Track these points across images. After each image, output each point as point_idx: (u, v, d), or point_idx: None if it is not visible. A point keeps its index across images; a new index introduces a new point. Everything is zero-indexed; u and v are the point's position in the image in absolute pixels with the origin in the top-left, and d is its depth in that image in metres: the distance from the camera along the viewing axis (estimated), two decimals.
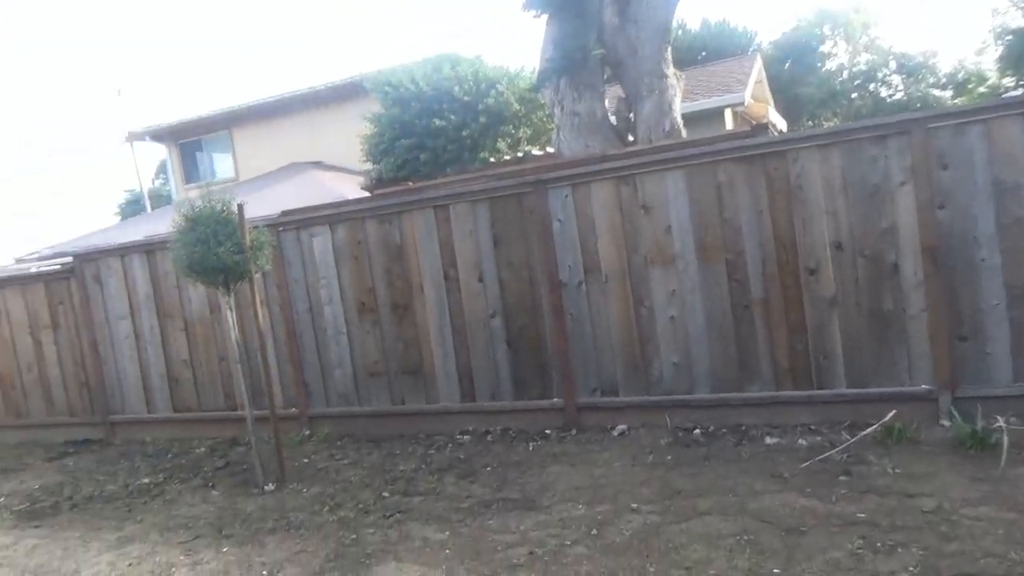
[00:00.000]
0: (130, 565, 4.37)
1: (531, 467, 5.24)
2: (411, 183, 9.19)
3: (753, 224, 5.40)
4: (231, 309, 5.71)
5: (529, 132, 12.81)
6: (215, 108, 19.61)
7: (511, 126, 12.22)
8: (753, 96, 16.36)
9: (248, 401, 5.72)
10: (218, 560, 4.29)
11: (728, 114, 14.90)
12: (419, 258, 6.49)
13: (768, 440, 5.12)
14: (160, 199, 28.33)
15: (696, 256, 5.58)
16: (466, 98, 11.65)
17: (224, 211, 5.64)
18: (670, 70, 8.41)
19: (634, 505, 4.30)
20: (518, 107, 12.04)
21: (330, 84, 17.54)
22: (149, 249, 7.66)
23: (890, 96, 32.42)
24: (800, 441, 5.00)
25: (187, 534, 4.79)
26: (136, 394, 7.95)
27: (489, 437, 6.11)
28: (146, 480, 6.17)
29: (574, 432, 5.90)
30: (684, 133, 8.47)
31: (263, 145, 19.18)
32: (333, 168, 17.41)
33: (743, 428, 5.41)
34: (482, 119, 11.58)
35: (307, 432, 6.99)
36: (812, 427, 5.20)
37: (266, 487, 5.53)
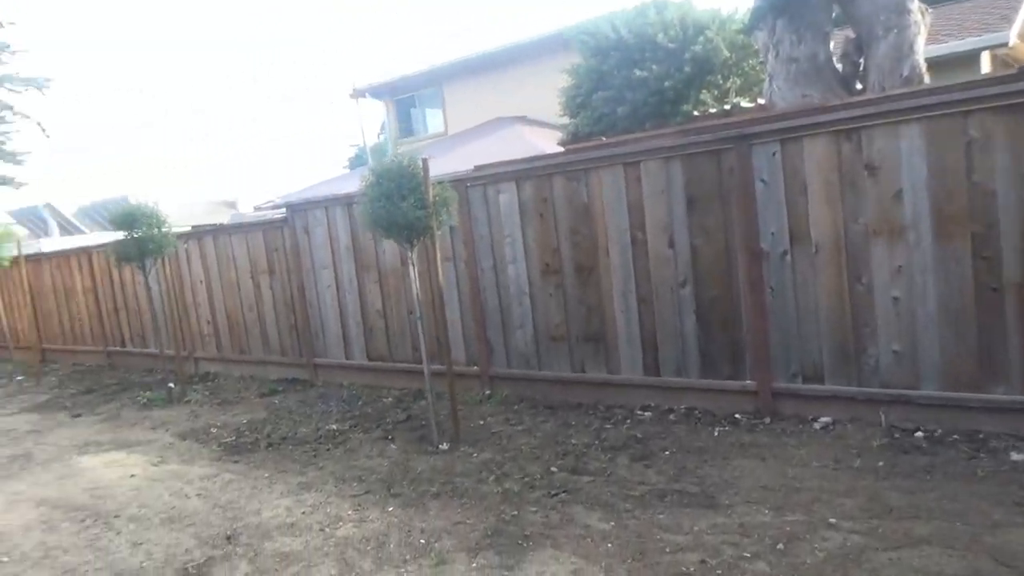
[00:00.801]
0: (303, 513, 4.51)
1: (714, 456, 4.72)
2: (604, 139, 8.71)
3: (1013, 191, 4.36)
4: (413, 264, 5.70)
5: (739, 82, 11.70)
6: (428, 64, 20.19)
7: (719, 76, 11.21)
8: (1020, 36, 13.77)
9: (426, 357, 5.72)
10: (382, 520, 4.28)
11: (985, 58, 12.63)
12: (606, 219, 6.07)
13: (1015, 456, 4.18)
14: (381, 154, 30.11)
15: (932, 227, 4.64)
16: (671, 45, 10.82)
17: (409, 166, 5.60)
18: (914, 4, 7.12)
19: (832, 519, 3.67)
20: (728, 54, 10.99)
21: (534, 38, 17.34)
22: (350, 202, 7.91)
23: None
24: None
25: (359, 487, 4.86)
26: (336, 340, 8.38)
27: (671, 416, 5.63)
28: (334, 426, 6.43)
29: (768, 420, 5.26)
30: (927, 79, 7.17)
31: (471, 100, 19.49)
32: (536, 123, 17.28)
33: (981, 437, 4.48)
34: (687, 69, 10.71)
35: (487, 392, 6.94)
36: None
37: (440, 446, 5.51)
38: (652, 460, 4.78)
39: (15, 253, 11.90)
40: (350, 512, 4.45)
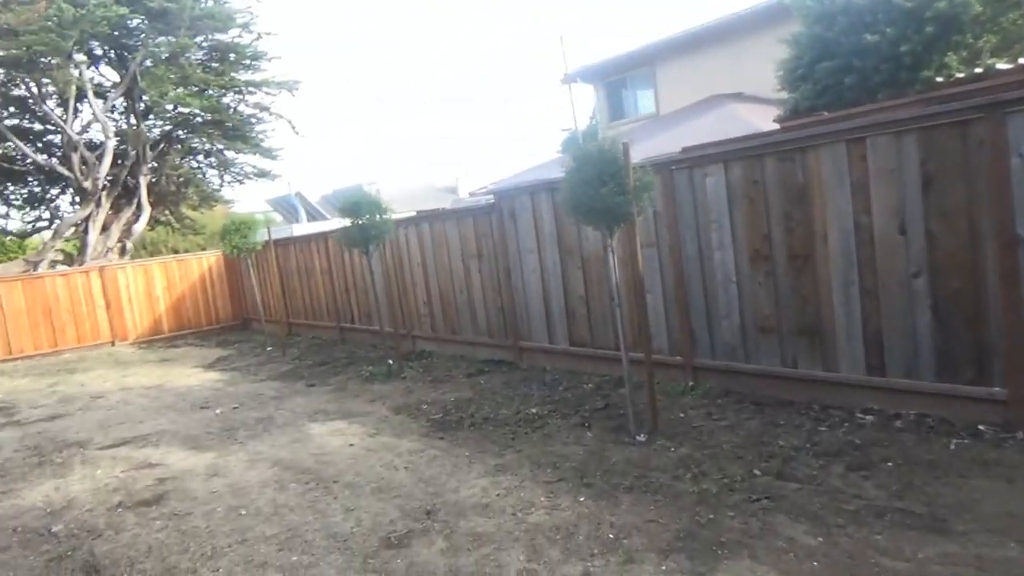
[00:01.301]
0: (498, 495, 4.61)
1: (948, 473, 4.14)
2: (825, 114, 7.95)
3: None
4: (613, 251, 5.60)
5: (994, 40, 10.09)
6: (640, 44, 19.80)
7: (968, 35, 9.74)
8: None
9: (624, 344, 5.61)
10: (572, 510, 4.26)
11: None
12: (824, 202, 5.53)
13: None
14: (590, 138, 30.16)
15: None
16: (908, 4, 9.58)
17: (610, 151, 5.48)
18: None
19: None
20: (980, 9, 9.50)
21: (751, 8, 16.32)
22: (553, 188, 7.96)
23: None
24: None
25: (553, 474, 4.88)
26: (540, 323, 8.51)
27: (897, 423, 5.03)
28: (534, 410, 6.53)
29: (1020, 435, 4.52)
30: None
31: (684, 79, 18.83)
32: (753, 99, 16.30)
33: None
34: (928, 29, 9.41)
35: (690, 383, 6.67)
36: None
37: (637, 437, 5.38)
38: (872, 471, 4.29)
39: (265, 238, 13.44)
40: (543, 499, 4.48)
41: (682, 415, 5.88)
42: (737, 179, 6.14)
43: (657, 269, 6.93)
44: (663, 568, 3.48)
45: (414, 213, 10.81)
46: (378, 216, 8.95)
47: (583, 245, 7.72)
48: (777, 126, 8.64)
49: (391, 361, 9.32)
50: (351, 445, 6.10)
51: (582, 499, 4.40)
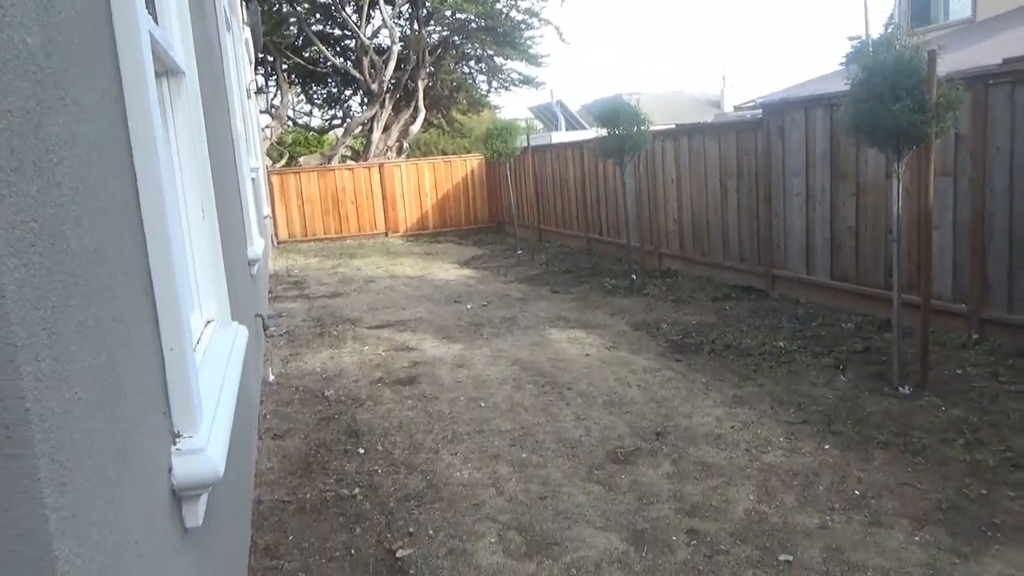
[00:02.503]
0: (732, 428, 4.40)
1: None
2: None
3: None
4: (898, 178, 4.90)
5: None
6: None
7: None
8: None
9: (898, 285, 4.97)
10: (814, 456, 3.93)
11: None
12: None
13: None
14: (884, 47, 26.57)
15: None
16: None
17: (911, 61, 4.71)
18: None
19: None
20: None
21: None
22: (832, 103, 7.12)
23: None
24: None
25: (796, 415, 4.54)
26: (798, 252, 7.85)
27: None
28: (781, 344, 6.10)
29: None
30: None
31: None
32: None
33: None
34: None
35: (974, 336, 5.79)
36: None
37: (900, 389, 4.81)
38: None
39: (524, 144, 13.76)
40: (781, 439, 4.19)
41: (959, 372, 5.13)
42: None
43: (950, 203, 5.98)
44: (916, 539, 3.10)
45: (673, 126, 10.37)
46: (636, 127, 8.70)
47: (860, 170, 6.88)
48: None
49: (635, 276, 9.22)
50: (587, 355, 6.17)
51: (827, 447, 4.05)
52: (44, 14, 1.04)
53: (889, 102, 4.62)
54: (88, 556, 0.99)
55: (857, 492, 3.53)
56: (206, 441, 1.70)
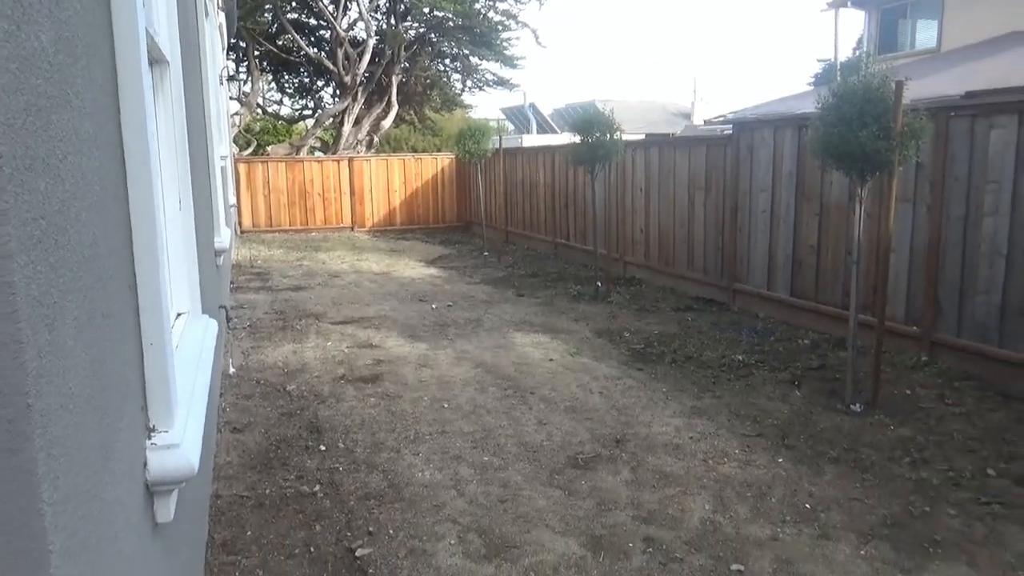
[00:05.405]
0: (691, 438, 4.49)
1: None
2: None
3: None
4: (861, 201, 5.06)
5: None
6: None
7: None
8: None
9: (855, 304, 5.13)
10: (768, 469, 4.05)
11: None
12: None
13: None
14: (851, 71, 27.21)
15: None
16: None
17: (879, 89, 4.87)
18: None
19: None
20: None
21: None
22: (801, 124, 7.30)
23: None
24: None
25: (752, 428, 4.66)
26: (760, 268, 8.03)
27: None
28: (740, 357, 6.24)
29: None
30: None
31: (978, 8, 16.24)
32: None
33: None
34: None
35: (924, 358, 5.99)
36: None
37: (852, 406, 4.96)
38: None
39: (495, 146, 13.80)
40: (737, 451, 4.30)
41: (908, 392, 5.32)
42: None
43: (908, 228, 6.19)
44: (862, 552, 3.22)
45: (643, 136, 10.50)
46: (608, 136, 8.80)
47: (825, 191, 7.07)
48: None
49: (600, 283, 9.32)
50: (551, 360, 6.23)
51: (780, 460, 4.17)
52: (56, 10, 1.05)
53: (856, 128, 4.77)
54: (77, 550, 1.00)
55: (808, 505, 3.64)
56: (181, 436, 1.71)
